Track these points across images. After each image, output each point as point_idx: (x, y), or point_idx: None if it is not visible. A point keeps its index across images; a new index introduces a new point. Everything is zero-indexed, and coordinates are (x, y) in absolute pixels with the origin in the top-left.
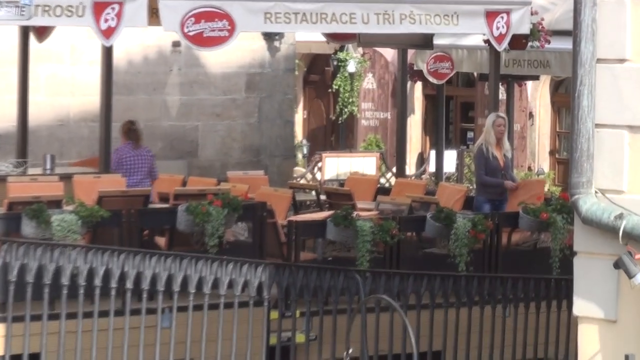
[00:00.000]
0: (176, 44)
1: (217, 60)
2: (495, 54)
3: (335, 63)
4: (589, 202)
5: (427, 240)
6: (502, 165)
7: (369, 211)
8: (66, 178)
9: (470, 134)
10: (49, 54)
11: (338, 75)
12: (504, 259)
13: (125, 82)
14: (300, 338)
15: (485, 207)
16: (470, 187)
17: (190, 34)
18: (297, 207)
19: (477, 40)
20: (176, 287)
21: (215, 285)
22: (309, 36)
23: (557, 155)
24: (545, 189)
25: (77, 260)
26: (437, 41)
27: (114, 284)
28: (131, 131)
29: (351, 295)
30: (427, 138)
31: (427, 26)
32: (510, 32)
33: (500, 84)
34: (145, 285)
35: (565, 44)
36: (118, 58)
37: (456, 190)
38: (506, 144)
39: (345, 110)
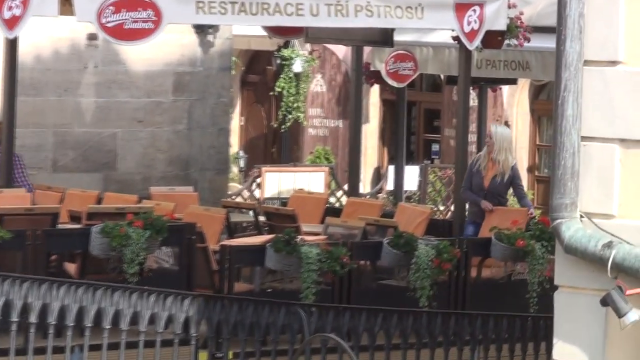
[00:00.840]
0: (92, 37)
1: (140, 56)
2: (465, 54)
3: (278, 62)
4: (572, 228)
5: (384, 270)
6: (485, 185)
7: (316, 235)
8: None
9: (435, 147)
10: None
11: (282, 76)
12: (473, 293)
13: (32, 81)
14: None
15: (468, 229)
16: (435, 209)
17: (109, 25)
18: (232, 229)
19: (444, 37)
20: (88, 322)
21: (135, 320)
22: (248, 30)
23: (536, 173)
24: (532, 218)
25: None
26: (398, 37)
27: (15, 317)
28: None
29: (293, 334)
30: (385, 151)
31: (386, 20)
32: (483, 28)
33: (471, 88)
34: (52, 319)
35: (548, 43)
36: (24, 53)
37: (418, 212)
38: (503, 163)
39: (290, 116)
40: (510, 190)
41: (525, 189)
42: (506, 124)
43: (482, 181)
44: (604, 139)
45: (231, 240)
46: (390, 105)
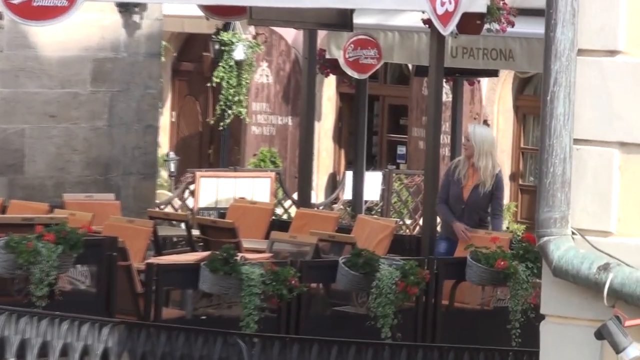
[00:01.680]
0: None
1: (52, 39)
2: (438, 40)
3: (217, 47)
4: (563, 247)
5: (339, 295)
6: (465, 196)
7: (259, 253)
8: None
9: (401, 149)
10: None
11: (221, 64)
12: (445, 322)
13: None
14: None
15: (440, 247)
16: (400, 222)
17: (15, 2)
18: (160, 245)
19: (413, 19)
20: None
21: (44, 351)
22: (181, 10)
23: (520, 181)
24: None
25: None
26: (358, 20)
27: None
28: None
29: None
30: (342, 153)
31: None
32: (459, 10)
33: (444, 80)
34: None
35: (535, 28)
36: None
37: (380, 226)
38: (484, 171)
39: (230, 112)
40: None
41: (507, 200)
42: (485, 123)
43: (461, 192)
44: (601, 142)
45: (159, 257)
46: (348, 100)
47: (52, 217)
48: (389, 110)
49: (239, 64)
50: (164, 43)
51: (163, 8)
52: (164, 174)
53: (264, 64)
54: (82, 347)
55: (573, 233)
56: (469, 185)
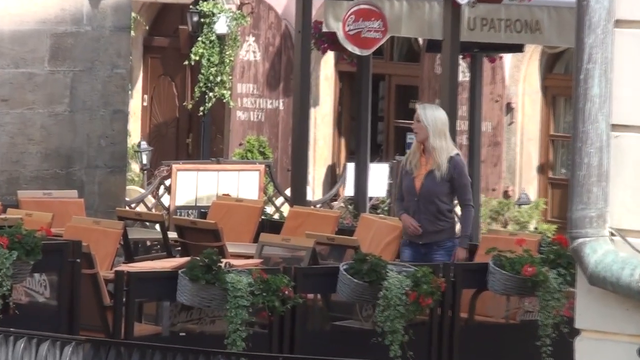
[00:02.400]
0: None
1: (4, 12)
2: (453, 10)
3: (195, 19)
4: (600, 251)
5: (340, 307)
6: (417, 186)
7: (247, 259)
8: None
9: (411, 137)
10: None
11: (200, 39)
12: (464, 338)
13: None
14: None
15: (404, 254)
16: None
17: None
18: (132, 249)
19: None
20: None
21: None
22: None
23: (550, 174)
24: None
25: None
26: None
27: None
28: None
29: None
30: (343, 142)
31: None
32: None
33: (460, 57)
34: None
35: None
36: None
37: (387, 226)
38: (440, 153)
39: (211, 94)
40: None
41: (534, 196)
42: (509, 106)
43: (413, 183)
44: None
45: (130, 264)
46: (349, 80)
47: (5, 217)
48: (397, 91)
49: (221, 38)
50: (133, 15)
51: None
52: (135, 167)
53: (251, 39)
54: None
55: (612, 234)
56: (422, 174)
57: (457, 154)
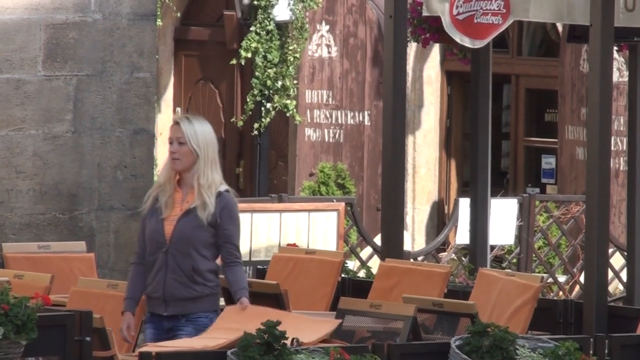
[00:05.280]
0: None
1: None
2: None
3: (246, 2)
4: None
5: None
6: (167, 232)
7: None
8: None
9: (548, 161)
10: None
11: (253, 30)
12: None
13: None
14: None
15: (147, 333)
16: (549, 279)
17: None
18: None
19: None
20: None
21: None
22: None
23: None
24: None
25: None
26: None
27: None
28: None
29: None
30: (453, 169)
31: None
32: None
33: (615, 49)
34: None
35: None
36: None
37: (517, 286)
38: (209, 188)
39: (269, 106)
40: None
41: None
42: None
43: (162, 226)
44: None
45: (159, 343)
46: (461, 84)
47: None
48: (527, 98)
49: (282, 28)
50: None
51: None
52: None
53: (324, 28)
54: None
55: None
56: (175, 215)
57: (227, 190)
